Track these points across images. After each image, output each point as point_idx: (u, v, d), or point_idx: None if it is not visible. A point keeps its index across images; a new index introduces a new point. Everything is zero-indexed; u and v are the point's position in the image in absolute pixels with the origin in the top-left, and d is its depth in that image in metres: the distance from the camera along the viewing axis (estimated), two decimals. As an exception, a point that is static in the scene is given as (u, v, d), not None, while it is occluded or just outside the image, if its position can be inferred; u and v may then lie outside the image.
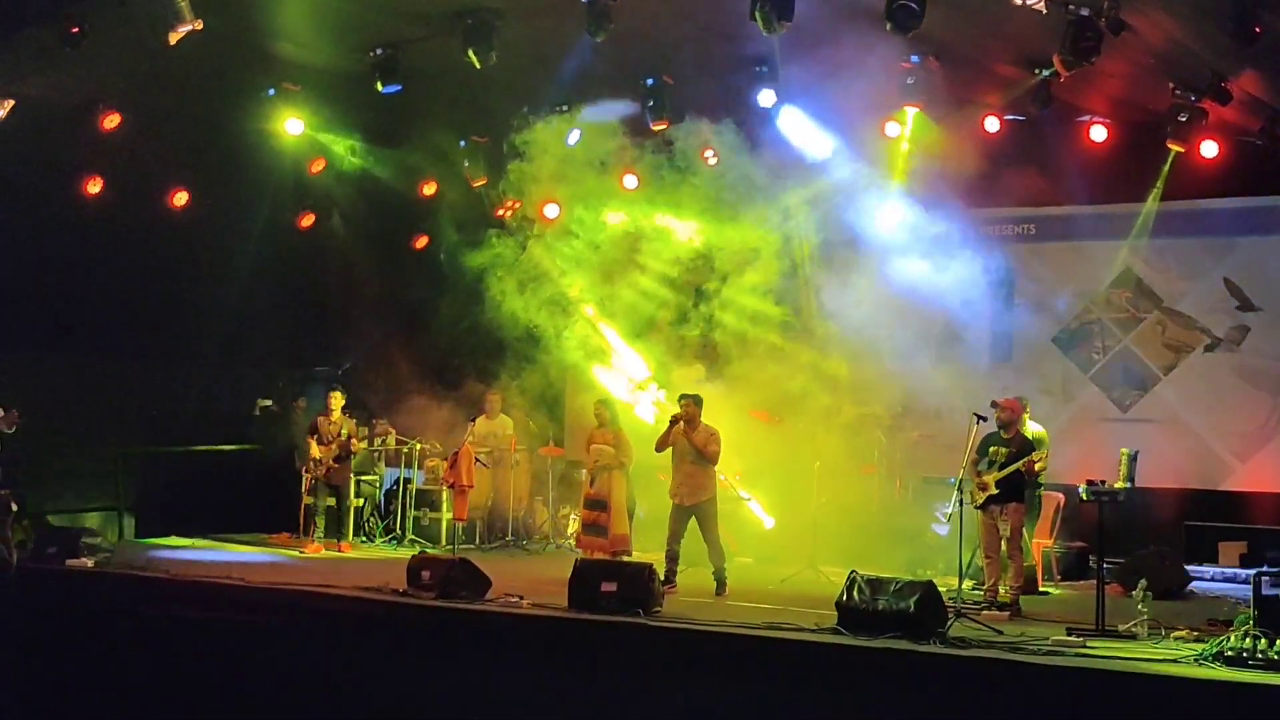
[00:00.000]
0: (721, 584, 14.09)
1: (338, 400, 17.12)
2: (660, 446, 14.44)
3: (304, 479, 17.43)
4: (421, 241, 20.55)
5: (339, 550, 16.63)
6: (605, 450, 15.25)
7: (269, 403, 20.78)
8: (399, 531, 18.02)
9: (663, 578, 13.30)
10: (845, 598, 11.43)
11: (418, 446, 18.21)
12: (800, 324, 18.57)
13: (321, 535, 16.86)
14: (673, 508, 14.30)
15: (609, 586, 12.18)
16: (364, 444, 17.67)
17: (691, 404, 14.30)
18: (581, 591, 12.34)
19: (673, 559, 14.10)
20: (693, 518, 14.18)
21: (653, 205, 18.02)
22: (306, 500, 17.46)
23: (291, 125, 16.72)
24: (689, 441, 14.18)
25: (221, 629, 12.93)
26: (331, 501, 16.95)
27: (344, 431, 16.85)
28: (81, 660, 13.02)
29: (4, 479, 15.03)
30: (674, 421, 14.29)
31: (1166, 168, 16.12)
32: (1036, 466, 13.11)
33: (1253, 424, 16.30)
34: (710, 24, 14.30)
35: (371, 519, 18.39)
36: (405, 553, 15.24)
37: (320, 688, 11.96)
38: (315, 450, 16.86)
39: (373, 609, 12.78)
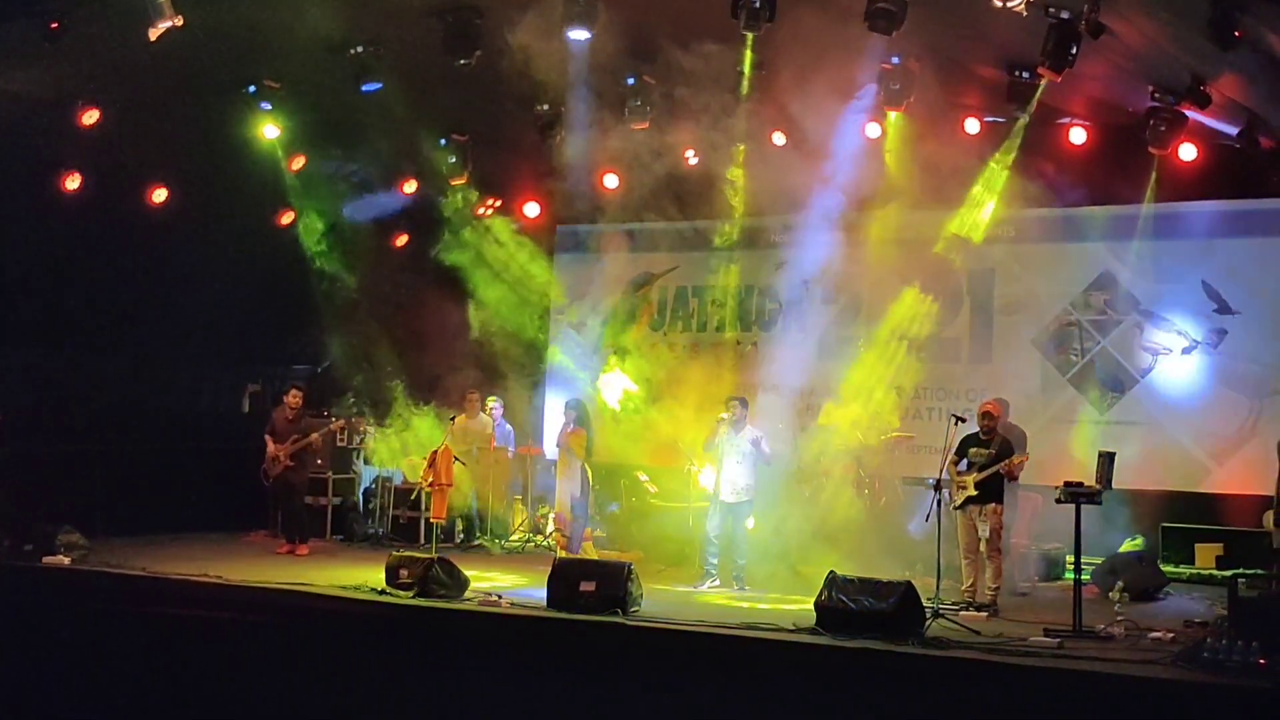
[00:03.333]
0: (739, 580, 14.44)
1: (296, 398, 17.10)
2: (708, 446, 14.93)
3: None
4: (401, 240, 20.51)
5: (294, 552, 16.49)
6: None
7: (257, 387, 20.74)
8: (377, 530, 17.99)
9: (705, 573, 14.45)
10: (824, 598, 11.46)
11: (395, 444, 18.18)
12: (778, 325, 18.65)
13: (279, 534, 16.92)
14: (714, 504, 14.78)
15: (587, 586, 12.21)
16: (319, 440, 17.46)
17: (738, 406, 14.70)
18: (560, 591, 12.34)
19: (713, 556, 14.60)
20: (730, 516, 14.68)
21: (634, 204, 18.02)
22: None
23: (268, 131, 16.72)
24: (735, 442, 14.57)
25: (199, 627, 12.89)
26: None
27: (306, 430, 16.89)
28: (58, 658, 12.95)
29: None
30: (721, 422, 14.68)
31: (1154, 174, 16.16)
32: (1015, 466, 13.15)
33: (1230, 426, 16.33)
34: (691, 22, 14.27)
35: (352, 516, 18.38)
36: (384, 552, 15.20)
37: (298, 686, 11.91)
38: (271, 447, 16.83)
39: (351, 608, 12.76)
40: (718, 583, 14.43)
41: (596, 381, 18.52)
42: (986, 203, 16.68)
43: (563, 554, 14.95)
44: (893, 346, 17.41)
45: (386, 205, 19.72)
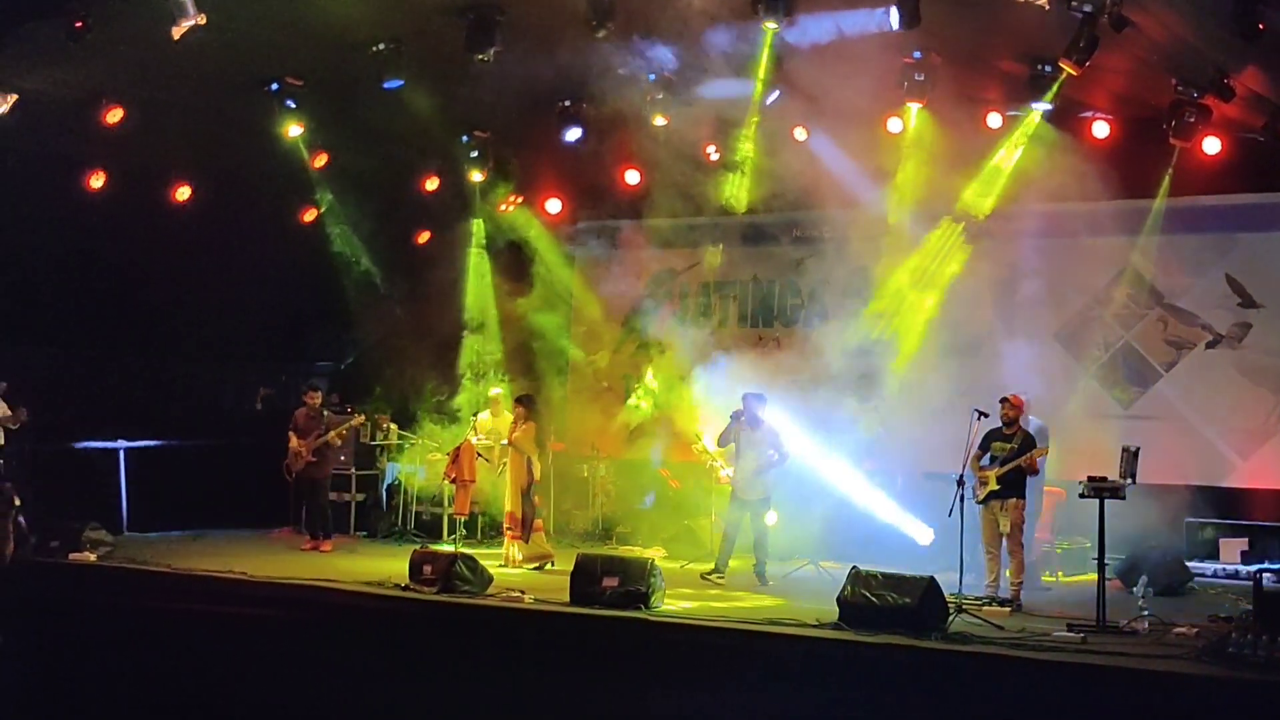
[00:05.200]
0: (761, 576, 14.45)
1: (315, 397, 17.13)
2: (723, 441, 14.95)
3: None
4: (423, 236, 20.55)
5: (318, 549, 16.53)
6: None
7: (270, 390, 20.80)
8: (401, 526, 18.04)
9: (714, 566, 14.33)
10: (847, 593, 11.44)
11: (420, 441, 18.22)
12: (802, 319, 18.63)
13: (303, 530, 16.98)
14: (731, 500, 14.75)
15: (610, 582, 12.22)
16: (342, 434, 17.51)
17: (755, 401, 14.72)
18: (582, 586, 12.36)
19: (728, 549, 14.57)
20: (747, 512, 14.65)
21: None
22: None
23: (291, 129, 16.78)
24: (752, 438, 14.52)
25: (223, 623, 12.95)
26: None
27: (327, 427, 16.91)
28: (84, 654, 13.04)
29: (5, 472, 15.08)
30: (734, 417, 14.65)
31: (1172, 166, 16.08)
32: (1035, 460, 13.12)
33: (1254, 421, 16.27)
34: (712, 17, 14.26)
35: (376, 512, 18.45)
36: (407, 548, 15.24)
37: (322, 682, 11.97)
38: (294, 443, 16.87)
39: (374, 603, 12.80)
40: (723, 577, 14.34)
41: (643, 382, 18.62)
42: (1000, 177, 16.60)
43: (516, 549, 15.30)
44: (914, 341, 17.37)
45: (408, 202, 19.75)
